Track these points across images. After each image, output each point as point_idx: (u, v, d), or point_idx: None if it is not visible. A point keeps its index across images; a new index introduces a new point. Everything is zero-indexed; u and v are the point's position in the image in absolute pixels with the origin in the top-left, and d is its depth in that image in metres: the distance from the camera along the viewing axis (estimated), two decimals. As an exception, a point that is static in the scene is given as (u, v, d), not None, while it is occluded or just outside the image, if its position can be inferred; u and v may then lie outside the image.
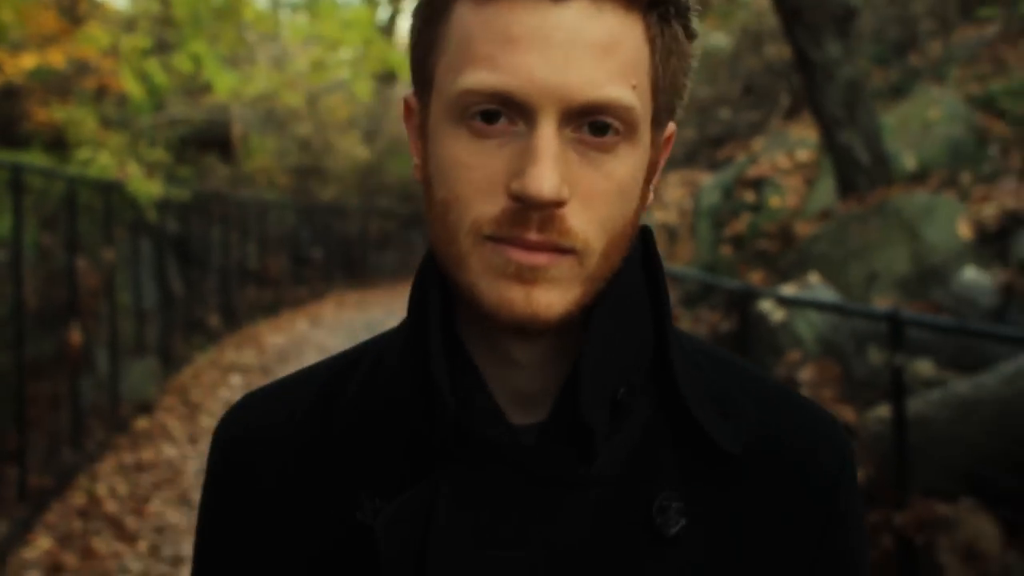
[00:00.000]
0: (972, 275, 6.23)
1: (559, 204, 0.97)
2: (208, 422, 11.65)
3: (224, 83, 13.48)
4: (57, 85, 14.20)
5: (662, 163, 1.11)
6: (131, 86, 12.10)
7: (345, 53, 22.11)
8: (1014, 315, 5.93)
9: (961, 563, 5.01)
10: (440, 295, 1.07)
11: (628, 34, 0.99)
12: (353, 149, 28.11)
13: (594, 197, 1.00)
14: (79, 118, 11.97)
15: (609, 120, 0.98)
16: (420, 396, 1.06)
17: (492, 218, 0.99)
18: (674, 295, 9.93)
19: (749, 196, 10.29)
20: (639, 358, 1.08)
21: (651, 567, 1.04)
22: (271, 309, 21.44)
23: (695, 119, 20.55)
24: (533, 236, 0.98)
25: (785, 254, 8.18)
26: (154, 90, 12.88)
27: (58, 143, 13.52)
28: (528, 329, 1.01)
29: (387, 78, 27.59)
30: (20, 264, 7.72)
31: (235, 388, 13.80)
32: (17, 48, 13.24)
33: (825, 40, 7.79)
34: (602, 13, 0.98)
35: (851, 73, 7.98)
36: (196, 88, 18.02)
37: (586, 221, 0.99)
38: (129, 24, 14.53)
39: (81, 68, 14.30)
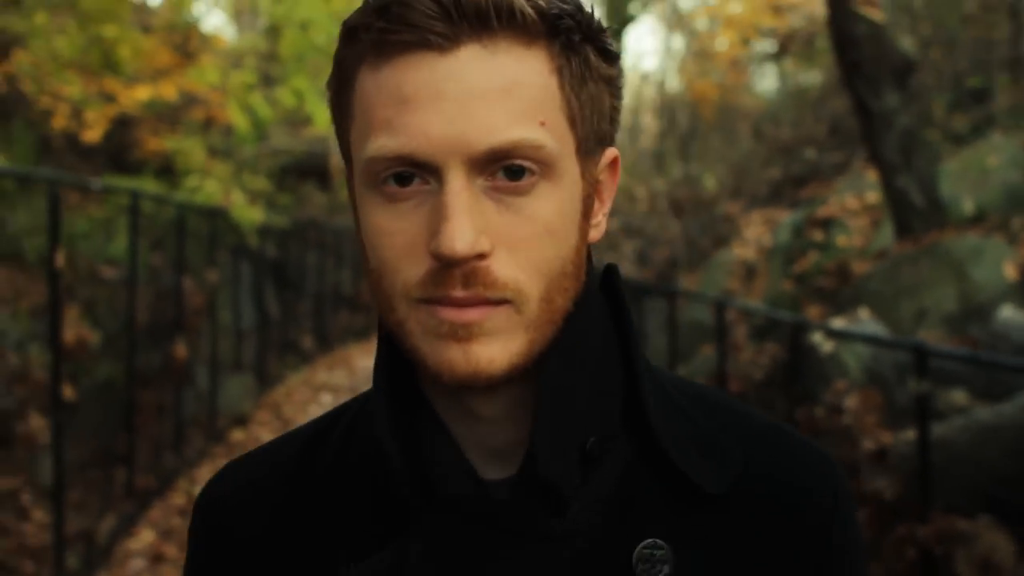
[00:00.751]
0: (1009, 313, 6.67)
1: (479, 257, 0.95)
2: (299, 436, 12.32)
3: (324, 117, 14.24)
4: (167, 115, 15.07)
5: (609, 191, 1.09)
6: (237, 119, 12.91)
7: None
8: (1045, 351, 6.38)
9: (977, 574, 5.45)
10: (392, 357, 1.06)
11: (529, 71, 0.97)
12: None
13: (519, 242, 0.97)
14: (188, 148, 12.78)
15: (520, 162, 0.96)
16: (381, 458, 1.05)
17: (419, 281, 0.97)
18: (743, 329, 10.40)
19: (818, 235, 10.77)
20: (608, 403, 1.05)
21: None
22: (362, 333, 22.12)
23: (780, 159, 20.90)
24: (459, 293, 0.96)
25: (842, 290, 8.67)
26: (258, 122, 13.68)
27: (166, 170, 14.36)
28: (474, 386, 0.99)
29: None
30: (135, 282, 8.45)
31: (325, 405, 14.47)
32: (131, 80, 14.12)
33: (884, 91, 8.29)
34: (495, 56, 0.96)
35: (908, 122, 8.48)
36: (297, 120, 18.87)
37: (515, 268, 0.97)
38: (236, 60, 15.37)
39: (189, 100, 15.16)
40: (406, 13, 0.95)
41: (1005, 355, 6.41)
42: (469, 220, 0.94)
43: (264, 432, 12.53)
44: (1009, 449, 5.44)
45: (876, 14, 8.31)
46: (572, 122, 1.00)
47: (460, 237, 0.93)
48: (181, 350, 9.68)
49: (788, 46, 18.95)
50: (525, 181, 0.96)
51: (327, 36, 13.10)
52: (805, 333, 7.22)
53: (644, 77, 33.26)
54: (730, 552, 1.03)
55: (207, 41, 16.42)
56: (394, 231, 0.98)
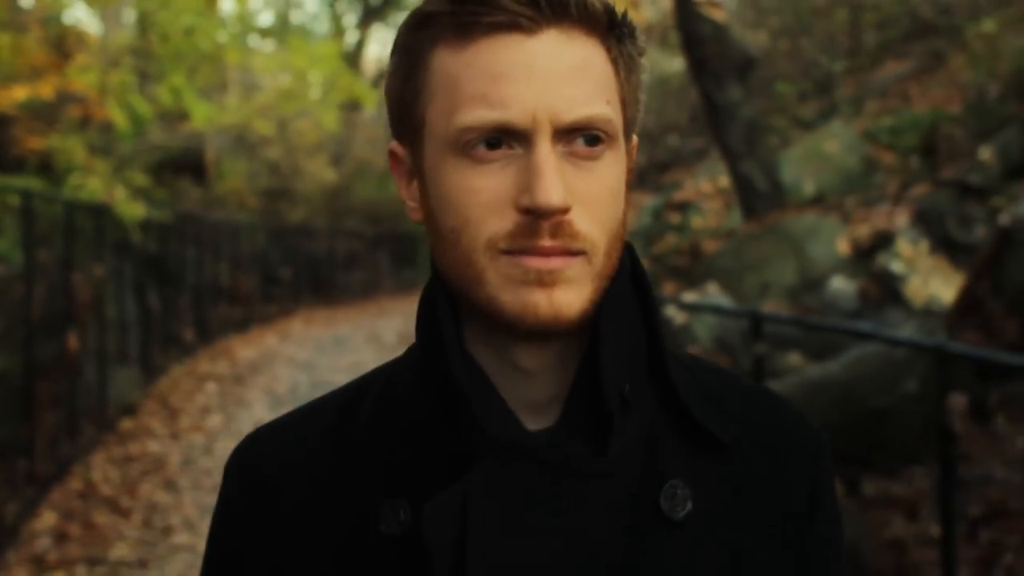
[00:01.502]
0: (839, 284, 7.47)
1: (566, 211, 1.07)
2: (187, 422, 12.76)
3: (201, 113, 14.65)
4: (44, 113, 15.29)
5: (631, 161, 1.20)
6: (117, 117, 13.27)
7: (314, 79, 23.24)
8: (869, 315, 7.15)
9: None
10: (451, 313, 1.15)
11: (596, 56, 1.11)
12: (321, 172, 28.97)
13: (591, 201, 1.09)
14: (69, 146, 13.09)
15: (596, 132, 1.09)
16: (440, 405, 1.14)
17: (507, 233, 1.08)
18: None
19: (675, 218, 11.55)
20: (638, 356, 1.16)
21: (661, 549, 1.13)
22: (242, 325, 22.42)
23: (644, 145, 21.67)
24: (547, 243, 1.07)
25: (695, 268, 9.44)
26: (137, 119, 14.02)
27: (44, 168, 14.60)
28: (552, 331, 1.09)
29: (353, 105, 28.65)
30: (33, 278, 8.84)
31: (211, 394, 14.88)
32: (6, 79, 14.32)
33: (727, 85, 9.07)
34: (571, 41, 1.09)
35: (750, 113, 9.28)
36: (173, 116, 19.14)
37: (589, 223, 1.09)
38: (112, 58, 15.65)
39: (66, 98, 15.39)
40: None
41: (833, 319, 7.19)
42: (558, 178, 1.07)
43: (153, 421, 12.93)
44: (835, 401, 6.19)
45: (719, 14, 9.06)
46: (623, 105, 1.15)
47: (554, 192, 1.06)
48: (73, 342, 10.07)
49: (646, 37, 19.72)
50: (597, 148, 1.10)
51: (210, 41, 13.54)
52: (660, 307, 7.98)
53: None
54: (734, 494, 1.16)
55: (81, 39, 16.64)
56: (481, 188, 1.09)
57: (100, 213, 12.33)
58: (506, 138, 1.08)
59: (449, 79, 1.10)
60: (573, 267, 1.08)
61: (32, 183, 12.59)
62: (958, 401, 4.50)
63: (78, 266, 11.18)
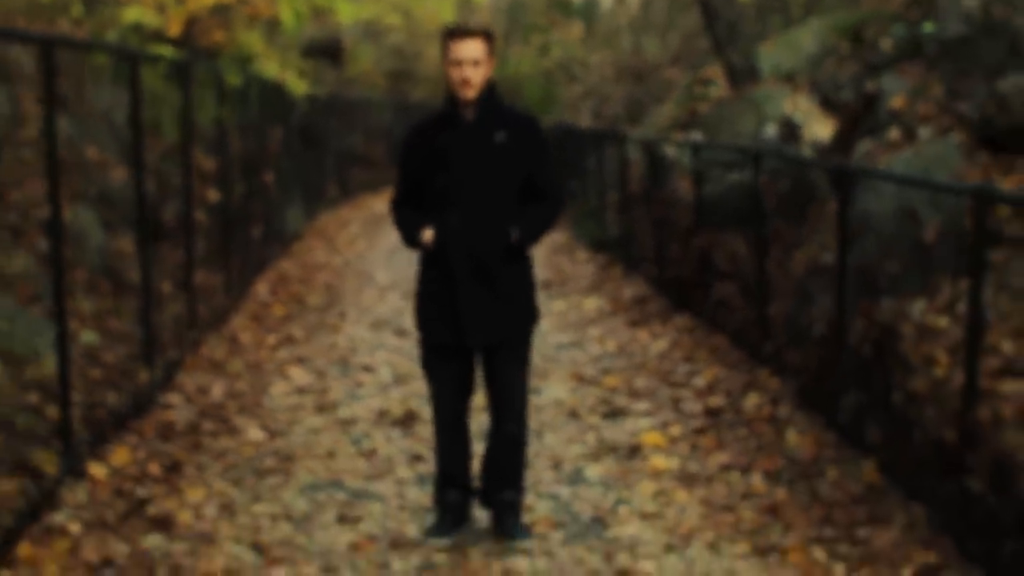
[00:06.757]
0: (768, 129, 11.42)
1: (470, 79, 5.64)
2: (341, 244, 17.31)
3: (347, 12, 18.82)
4: (218, 12, 19.63)
5: (492, 65, 5.77)
6: (285, 15, 17.52)
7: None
8: (782, 148, 11.09)
9: (726, 261, 10.36)
10: (451, 95, 5.75)
11: (481, 44, 5.66)
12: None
13: (476, 74, 5.65)
14: (251, 39, 17.42)
15: (477, 61, 5.64)
16: (446, 116, 5.81)
17: (458, 80, 5.65)
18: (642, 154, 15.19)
19: (700, 89, 15.47)
20: (494, 106, 5.77)
21: (494, 145, 5.78)
22: (373, 185, 26.90)
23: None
24: (466, 86, 5.64)
25: (692, 122, 13.50)
26: (299, 16, 18.27)
27: (215, 55, 18.96)
28: (467, 102, 5.70)
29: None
30: (245, 134, 13.23)
31: (354, 232, 19.38)
32: (189, -16, 18.59)
33: (715, -6, 13.02)
34: (475, 40, 5.66)
35: (732, 15, 13.23)
36: (318, 10, 23.40)
37: (476, 80, 5.64)
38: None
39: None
40: (458, 32, 5.73)
41: (735, 144, 11.30)
42: (473, 71, 5.71)
43: (316, 244, 17.47)
44: (743, 194, 10.29)
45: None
46: (487, 53, 5.73)
47: (468, 74, 5.67)
48: (269, 176, 14.55)
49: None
50: (479, 64, 5.70)
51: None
52: (659, 145, 12.12)
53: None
54: (517, 138, 5.80)
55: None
56: (452, 72, 5.72)
57: (277, 89, 16.73)
58: (457, 63, 5.70)
59: (448, 48, 5.73)
60: (471, 87, 5.70)
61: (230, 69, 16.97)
62: (764, 181, 8.62)
63: (265, 127, 15.61)
